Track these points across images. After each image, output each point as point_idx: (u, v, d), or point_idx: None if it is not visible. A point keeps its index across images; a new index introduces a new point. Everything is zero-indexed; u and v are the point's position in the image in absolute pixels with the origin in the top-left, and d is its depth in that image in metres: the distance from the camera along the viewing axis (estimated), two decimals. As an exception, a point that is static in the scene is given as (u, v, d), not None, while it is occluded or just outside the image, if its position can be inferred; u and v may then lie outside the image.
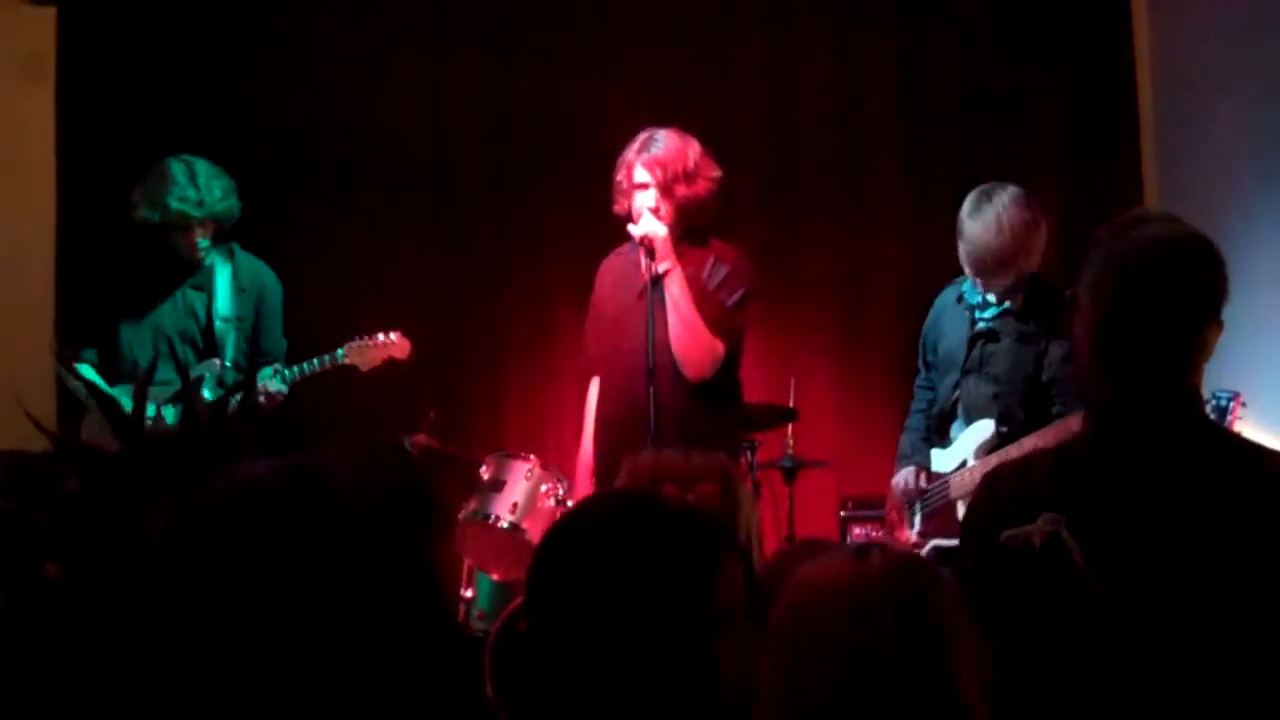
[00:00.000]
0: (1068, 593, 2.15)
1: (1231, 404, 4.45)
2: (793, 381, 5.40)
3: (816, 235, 6.25)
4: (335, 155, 6.18)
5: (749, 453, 5.03)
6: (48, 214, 5.93)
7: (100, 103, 5.96)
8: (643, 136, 4.62)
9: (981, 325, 4.48)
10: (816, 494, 5.59)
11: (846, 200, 6.24)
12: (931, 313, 4.73)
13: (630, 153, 4.61)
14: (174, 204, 4.94)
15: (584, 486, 4.84)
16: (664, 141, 4.58)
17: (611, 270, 4.84)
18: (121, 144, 5.76)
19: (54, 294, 5.87)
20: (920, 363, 4.78)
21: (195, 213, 4.96)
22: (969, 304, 4.51)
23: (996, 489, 2.35)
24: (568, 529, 1.78)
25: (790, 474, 5.29)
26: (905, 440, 4.75)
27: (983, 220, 4.29)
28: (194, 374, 5.03)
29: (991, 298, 4.45)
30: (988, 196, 4.34)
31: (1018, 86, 6.22)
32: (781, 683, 1.69)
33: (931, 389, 4.68)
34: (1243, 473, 2.21)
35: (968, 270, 4.38)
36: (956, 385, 4.52)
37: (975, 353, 4.48)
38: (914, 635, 1.71)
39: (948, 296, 4.65)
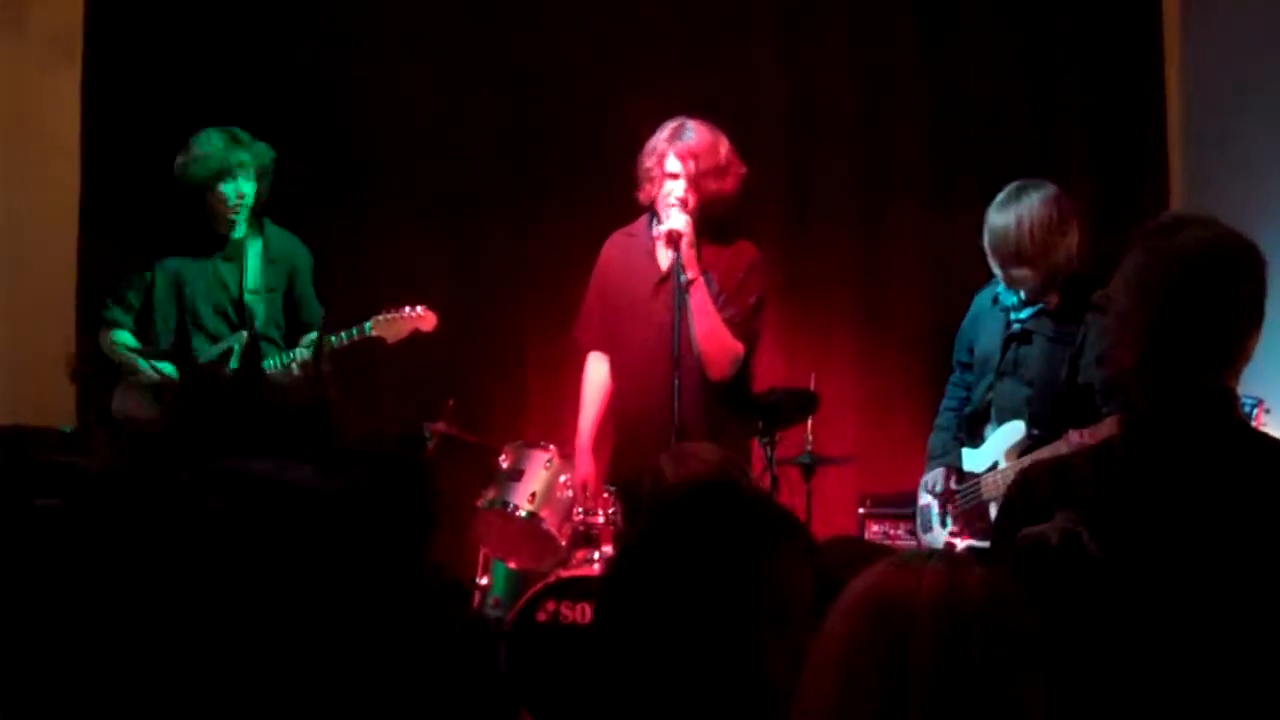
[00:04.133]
0: (1086, 589, 2.15)
1: (1255, 410, 4.45)
2: (813, 375, 5.39)
3: (838, 234, 6.23)
4: (358, 143, 6.17)
5: (768, 448, 5.04)
6: (71, 195, 5.95)
7: (127, 84, 5.96)
8: (673, 125, 4.63)
9: (1016, 327, 4.45)
10: (835, 491, 5.59)
11: (868, 199, 6.22)
12: (969, 313, 4.70)
13: (661, 140, 4.62)
14: (226, 154, 5.01)
15: (584, 464, 4.93)
16: (696, 133, 4.60)
17: (621, 252, 4.86)
18: (147, 125, 5.77)
19: (76, 274, 5.89)
20: (955, 362, 4.75)
21: (247, 157, 5.03)
22: (1004, 305, 4.48)
23: (1031, 488, 2.35)
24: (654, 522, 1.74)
25: (809, 470, 5.28)
26: (935, 440, 4.72)
27: (1005, 214, 4.29)
28: (223, 346, 5.06)
29: (1024, 297, 4.41)
30: (1018, 194, 4.33)
31: (1044, 90, 6.21)
32: (820, 693, 1.49)
33: (964, 389, 4.66)
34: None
35: (990, 261, 4.36)
36: (990, 387, 4.50)
37: (1009, 355, 4.46)
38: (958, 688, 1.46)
39: (984, 298, 4.62)
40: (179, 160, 5.07)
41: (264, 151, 5.11)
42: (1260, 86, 5.60)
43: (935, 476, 4.59)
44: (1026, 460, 4.17)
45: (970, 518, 4.47)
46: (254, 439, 4.60)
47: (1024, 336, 4.44)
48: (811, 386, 5.28)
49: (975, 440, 4.55)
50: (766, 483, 4.96)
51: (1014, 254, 4.27)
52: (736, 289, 4.68)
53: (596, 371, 4.94)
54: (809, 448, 5.28)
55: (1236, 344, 2.24)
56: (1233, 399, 2.30)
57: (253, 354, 5.00)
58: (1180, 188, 6.07)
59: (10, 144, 5.72)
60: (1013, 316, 4.45)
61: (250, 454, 1.37)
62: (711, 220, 4.67)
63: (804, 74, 6.25)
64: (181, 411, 4.46)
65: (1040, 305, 4.39)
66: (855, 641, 1.46)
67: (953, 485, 4.54)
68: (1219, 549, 2.16)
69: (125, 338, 5.15)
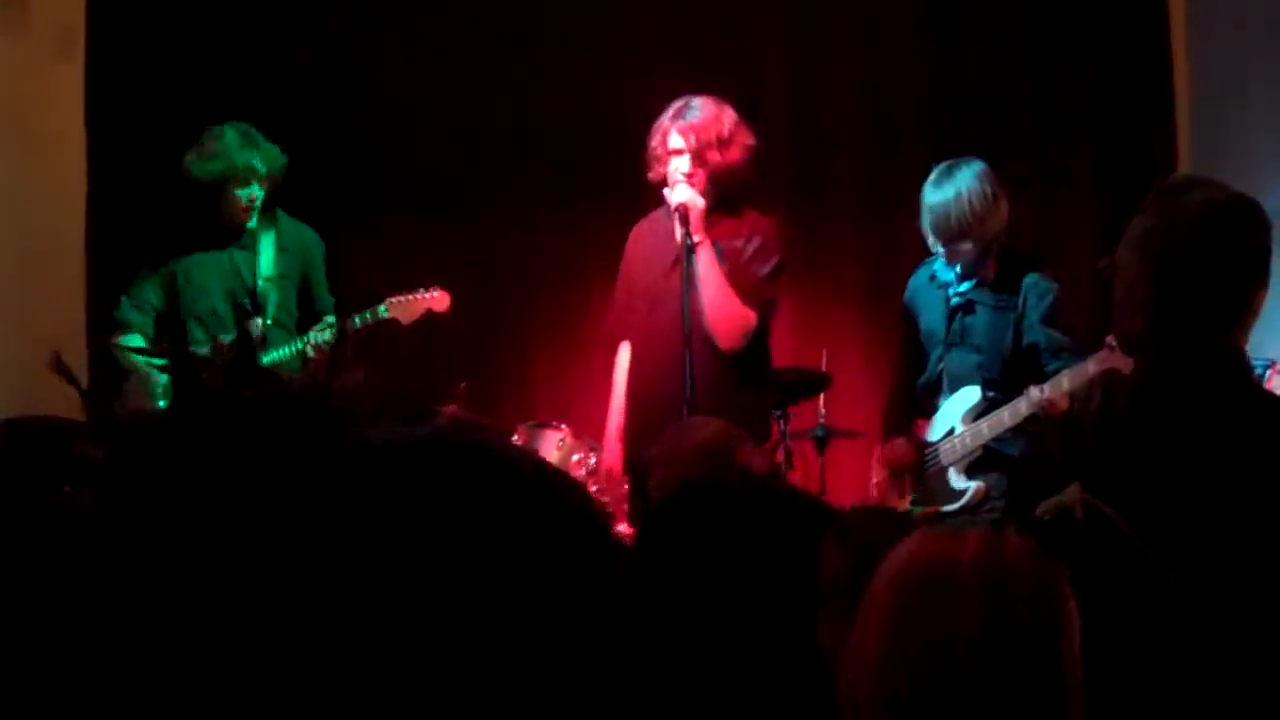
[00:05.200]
0: (1113, 558, 2.15)
1: (1267, 372, 4.46)
2: (825, 351, 5.40)
3: (847, 207, 6.26)
4: (365, 129, 6.18)
5: (782, 422, 5.05)
6: (78, 189, 5.94)
7: (130, 78, 5.96)
8: (678, 104, 4.66)
9: (957, 300, 4.62)
10: (849, 463, 5.59)
11: (877, 172, 6.24)
12: (906, 295, 4.85)
13: (665, 119, 4.65)
14: (238, 158, 5.03)
15: (613, 452, 4.91)
16: (699, 108, 4.62)
17: (643, 238, 4.87)
18: (151, 119, 5.77)
19: (85, 270, 5.89)
20: (900, 341, 4.89)
21: (260, 165, 5.06)
22: (942, 281, 4.65)
23: (1041, 453, 2.36)
24: (674, 510, 1.74)
25: (822, 443, 5.29)
26: (890, 413, 4.89)
27: (942, 191, 4.48)
28: (234, 335, 5.08)
29: (961, 271, 4.58)
30: (950, 171, 4.53)
31: (1050, 67, 6.23)
32: (871, 656, 1.50)
33: (912, 364, 4.79)
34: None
35: (929, 238, 4.53)
36: (940, 358, 4.65)
37: (955, 325, 4.63)
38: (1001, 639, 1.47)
39: (920, 277, 4.78)
40: (191, 156, 5.10)
41: (276, 156, 5.15)
42: (1266, 67, 5.59)
43: (893, 446, 4.74)
44: (984, 422, 4.42)
45: (929, 484, 4.61)
46: (256, 428, 4.62)
47: (967, 307, 4.62)
48: (823, 364, 5.30)
49: (929, 411, 4.69)
50: (780, 456, 4.97)
51: (954, 228, 4.45)
52: (748, 257, 4.68)
53: (626, 360, 4.93)
54: (822, 421, 5.30)
55: (1243, 300, 2.25)
56: (1243, 359, 2.30)
57: (256, 343, 5.03)
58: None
59: (13, 138, 5.71)
60: (951, 291, 4.62)
61: (264, 443, 1.29)
62: (722, 194, 4.67)
63: (810, 55, 6.27)
64: (179, 405, 4.45)
65: (978, 278, 4.57)
66: (900, 609, 1.47)
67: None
68: (1233, 511, 2.17)
69: (135, 340, 5.15)
